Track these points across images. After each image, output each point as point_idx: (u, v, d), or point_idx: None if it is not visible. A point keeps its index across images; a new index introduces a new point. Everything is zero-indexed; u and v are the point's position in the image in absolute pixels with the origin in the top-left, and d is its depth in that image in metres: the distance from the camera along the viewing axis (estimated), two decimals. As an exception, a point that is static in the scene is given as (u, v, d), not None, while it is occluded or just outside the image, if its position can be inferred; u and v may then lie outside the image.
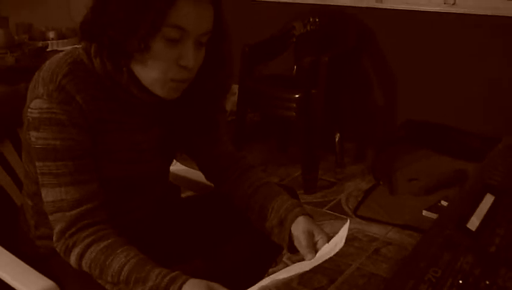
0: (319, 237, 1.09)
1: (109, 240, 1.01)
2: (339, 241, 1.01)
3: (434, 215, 2.52)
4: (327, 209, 2.69)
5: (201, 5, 1.01)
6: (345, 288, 2.06)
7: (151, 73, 1.03)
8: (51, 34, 2.95)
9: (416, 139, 3.04)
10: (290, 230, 1.12)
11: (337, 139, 3.19)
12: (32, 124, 1.03)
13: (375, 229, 2.48)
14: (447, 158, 2.93)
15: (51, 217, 1.04)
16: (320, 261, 0.98)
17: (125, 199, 1.18)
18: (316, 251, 1.08)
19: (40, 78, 1.04)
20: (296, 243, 1.12)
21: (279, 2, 3.43)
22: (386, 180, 2.90)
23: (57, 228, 1.03)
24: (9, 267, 1.12)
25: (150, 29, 0.97)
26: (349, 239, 2.27)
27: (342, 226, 1.05)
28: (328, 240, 1.08)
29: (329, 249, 1.04)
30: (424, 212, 2.55)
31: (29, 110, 1.04)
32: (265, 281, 0.97)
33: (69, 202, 1.02)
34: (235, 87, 3.10)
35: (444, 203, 2.58)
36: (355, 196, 2.83)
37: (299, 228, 1.11)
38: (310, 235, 1.09)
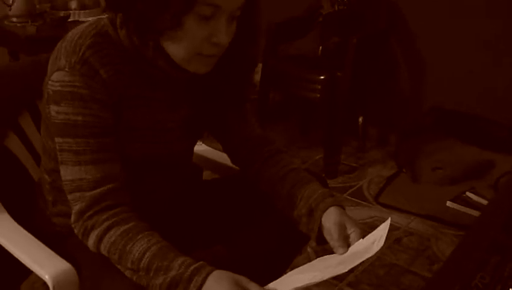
0: (351, 230, 1.03)
1: (130, 224, 0.96)
2: (377, 239, 0.94)
3: (459, 207, 2.45)
4: (348, 195, 2.63)
5: None
6: (364, 278, 2.01)
7: (181, 50, 0.97)
8: (73, 4, 2.89)
9: (442, 128, 2.96)
10: (321, 220, 1.06)
11: (360, 123, 3.12)
12: (52, 98, 0.98)
13: (396, 218, 2.41)
14: (474, 148, 2.85)
15: (69, 196, 0.99)
16: (357, 263, 0.91)
17: (146, 179, 1.13)
18: (348, 245, 1.01)
19: (62, 49, 0.98)
20: (326, 235, 1.06)
21: (306, -20, 3.33)
22: (409, 168, 2.83)
23: (76, 209, 0.98)
24: (24, 245, 1.09)
25: (182, 5, 0.91)
26: (368, 227, 2.22)
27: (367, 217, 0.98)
28: (362, 235, 1.01)
29: (364, 246, 0.97)
30: (449, 203, 2.48)
31: (50, 82, 0.99)
32: (296, 283, 0.90)
33: (89, 182, 0.97)
34: (259, 66, 3.03)
35: (469, 194, 2.51)
36: (376, 183, 2.76)
37: (330, 219, 1.05)
38: (342, 228, 1.03)
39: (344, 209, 1.08)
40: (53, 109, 0.98)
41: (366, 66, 3.00)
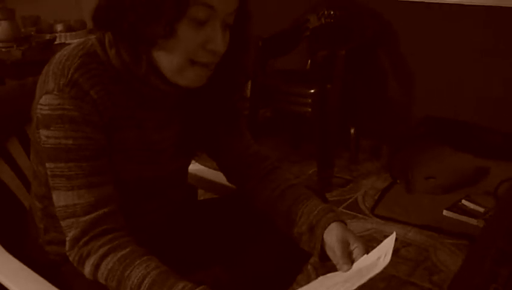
0: (354, 246, 1.00)
1: (127, 249, 0.93)
2: (383, 255, 0.92)
3: (455, 215, 2.43)
4: (343, 208, 2.61)
5: None
6: (365, 292, 1.97)
7: (175, 60, 0.94)
8: (59, 27, 2.86)
9: (435, 136, 2.95)
10: (322, 237, 1.03)
11: (352, 135, 3.11)
12: (42, 122, 0.95)
13: (393, 229, 2.39)
14: (467, 155, 2.84)
15: (63, 223, 0.96)
16: (365, 280, 0.88)
17: (140, 201, 1.10)
18: (352, 262, 0.99)
19: (50, 72, 0.95)
20: (328, 252, 1.03)
21: (292, -6, 3.34)
22: (402, 179, 2.81)
23: (70, 235, 0.94)
24: (16, 275, 1.05)
25: (175, 11, 0.88)
26: (366, 240, 2.20)
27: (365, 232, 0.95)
28: (366, 250, 0.99)
29: (369, 262, 0.94)
30: (445, 212, 2.46)
31: (38, 106, 0.96)
32: None
33: (83, 207, 0.94)
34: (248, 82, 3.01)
35: (465, 202, 2.49)
36: (371, 195, 2.75)
37: (332, 235, 1.02)
38: (345, 244, 1.00)
39: (346, 224, 1.05)
40: (43, 133, 0.95)
41: (355, 77, 3.00)
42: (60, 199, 0.95)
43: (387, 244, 0.94)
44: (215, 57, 0.96)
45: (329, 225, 1.04)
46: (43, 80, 0.97)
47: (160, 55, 0.94)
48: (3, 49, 2.65)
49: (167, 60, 0.94)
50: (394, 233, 0.96)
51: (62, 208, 0.95)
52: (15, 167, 1.26)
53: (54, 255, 1.11)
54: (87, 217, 0.93)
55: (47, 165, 0.96)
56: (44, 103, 0.94)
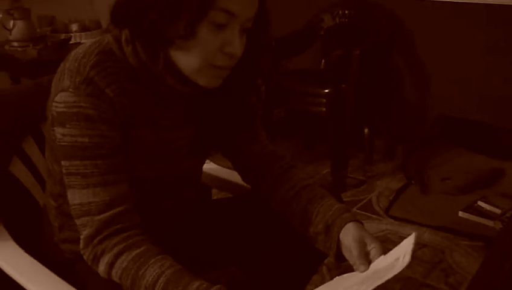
0: (371, 247, 0.99)
1: (142, 248, 0.92)
2: (401, 256, 0.90)
3: (471, 217, 2.40)
4: (357, 209, 2.59)
5: None
6: (380, 293, 1.96)
7: (192, 61, 0.93)
8: (74, 27, 2.87)
9: (450, 137, 2.92)
10: (338, 237, 1.02)
11: (366, 136, 3.08)
12: (57, 120, 0.94)
13: (408, 231, 2.36)
14: (482, 157, 2.80)
15: (77, 221, 0.96)
16: (382, 281, 0.87)
17: (154, 200, 1.09)
18: (370, 262, 0.97)
19: (65, 70, 0.95)
20: (345, 253, 1.02)
21: (306, -6, 3.32)
22: (417, 180, 2.78)
23: (84, 234, 0.94)
24: (31, 273, 1.05)
25: (197, 12, 0.88)
26: (381, 241, 2.18)
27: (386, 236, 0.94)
28: (383, 251, 0.97)
29: (387, 263, 0.93)
30: (461, 213, 2.43)
31: (54, 104, 0.95)
32: None
33: (98, 205, 0.93)
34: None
35: (481, 204, 2.46)
36: (386, 195, 2.72)
37: (349, 235, 1.01)
38: (362, 244, 0.99)
39: (362, 224, 1.04)
40: (58, 131, 0.95)
41: (369, 77, 2.97)
42: (75, 197, 0.95)
43: (407, 245, 0.92)
44: (232, 61, 0.96)
45: (345, 224, 1.03)
46: (58, 78, 0.96)
47: (177, 55, 0.94)
48: (19, 49, 2.67)
49: (185, 60, 0.94)
50: (414, 234, 0.94)
51: (77, 206, 0.95)
52: (30, 165, 1.27)
53: (69, 254, 1.11)
54: (102, 215, 0.93)
55: (62, 163, 0.96)
56: (60, 100, 0.94)
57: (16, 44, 2.69)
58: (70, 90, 0.92)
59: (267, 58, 2.75)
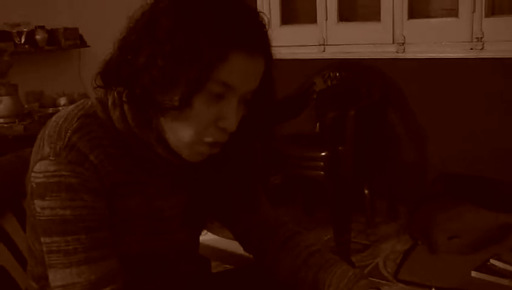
0: (395, 317, 0.88)
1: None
2: None
3: (485, 276, 2.30)
4: (364, 275, 2.46)
5: (254, 60, 0.85)
6: None
7: (182, 132, 0.86)
8: (62, 100, 2.83)
9: (453, 194, 2.85)
10: None
11: (367, 197, 3.00)
12: (36, 192, 0.85)
13: (421, 295, 2.24)
14: (489, 212, 2.72)
15: (60, 307, 0.84)
16: None
17: (147, 277, 0.98)
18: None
19: (45, 136, 0.87)
20: (365, 326, 0.91)
21: (295, 59, 3.33)
22: (424, 240, 2.69)
23: (69, 321, 0.83)
24: None
25: (193, 85, 0.81)
26: (393, 308, 2.06)
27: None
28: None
29: None
30: (474, 273, 2.32)
31: (32, 174, 0.87)
32: None
33: (83, 286, 0.83)
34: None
35: (494, 262, 2.35)
36: (393, 259, 2.61)
37: (367, 305, 0.90)
38: (384, 315, 0.88)
39: (382, 292, 0.94)
40: (37, 204, 0.85)
41: (366, 138, 2.93)
42: (57, 277, 0.84)
43: None
44: (224, 136, 0.89)
45: (363, 293, 0.92)
46: (38, 145, 0.88)
47: (169, 125, 0.86)
48: (5, 125, 2.61)
49: (173, 131, 0.87)
50: None
51: (59, 289, 0.84)
52: (11, 245, 1.16)
53: None
54: (88, 298, 0.82)
55: (42, 240, 0.86)
56: (39, 170, 0.85)
57: (1, 120, 2.63)
58: (51, 157, 0.84)
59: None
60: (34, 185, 0.86)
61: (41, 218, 0.85)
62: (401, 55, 2.98)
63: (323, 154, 2.67)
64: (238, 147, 0.97)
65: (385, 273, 2.48)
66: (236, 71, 0.83)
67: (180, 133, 0.86)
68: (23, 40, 3.03)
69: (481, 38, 2.73)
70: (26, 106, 2.82)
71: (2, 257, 1.15)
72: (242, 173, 1.01)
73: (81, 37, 3.39)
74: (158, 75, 0.81)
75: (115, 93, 0.88)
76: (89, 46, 3.38)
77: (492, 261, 2.37)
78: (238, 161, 0.99)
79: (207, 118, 0.85)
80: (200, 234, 1.12)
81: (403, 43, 2.95)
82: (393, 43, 2.99)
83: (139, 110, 0.86)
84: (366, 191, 3.00)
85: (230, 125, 0.86)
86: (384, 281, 2.40)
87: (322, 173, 2.67)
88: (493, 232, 2.59)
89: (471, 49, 2.77)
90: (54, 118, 0.90)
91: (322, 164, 2.67)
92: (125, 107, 0.87)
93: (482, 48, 2.75)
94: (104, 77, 0.88)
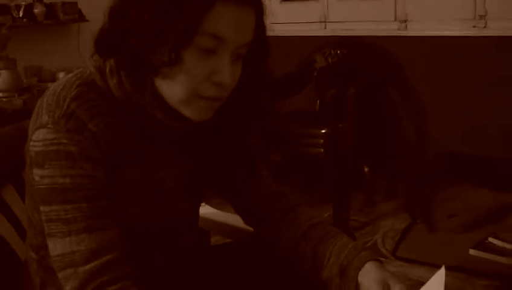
0: (396, 288, 0.88)
1: (133, 302, 0.81)
2: None
3: (483, 254, 2.31)
4: (363, 252, 2.47)
5: (242, 10, 0.83)
6: None
7: (178, 90, 0.84)
8: (61, 75, 2.81)
9: (453, 172, 2.84)
10: (357, 280, 0.91)
11: (366, 175, 3.00)
12: (35, 160, 0.84)
13: (418, 272, 2.25)
14: (488, 191, 2.73)
15: (60, 275, 0.84)
16: None
17: (147, 249, 0.98)
18: (394, 307, 0.86)
19: (44, 104, 0.86)
20: (365, 297, 0.90)
21: (296, 36, 3.30)
22: (423, 218, 2.69)
23: (68, 288, 0.83)
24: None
25: (181, 38, 0.80)
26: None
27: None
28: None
29: None
30: (472, 251, 2.34)
31: (31, 143, 0.86)
32: None
33: (82, 254, 0.82)
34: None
35: (492, 240, 2.36)
36: (391, 236, 2.62)
37: (369, 276, 0.90)
38: (385, 286, 0.88)
39: (382, 263, 0.93)
40: (36, 173, 0.85)
41: (367, 116, 2.92)
42: (57, 246, 0.84)
43: (436, 282, 0.82)
44: (222, 91, 0.87)
45: (363, 265, 0.92)
46: (36, 114, 0.87)
47: (163, 84, 0.85)
48: (4, 99, 2.60)
49: (170, 89, 0.85)
50: (443, 267, 0.84)
51: (59, 258, 0.83)
52: (10, 216, 1.15)
53: (52, 315, 0.98)
54: (87, 266, 0.82)
55: (41, 209, 0.85)
56: (38, 138, 0.84)
57: (0, 94, 2.62)
58: (49, 126, 0.83)
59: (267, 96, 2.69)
60: (33, 154, 0.85)
61: (40, 187, 0.85)
62: (403, 33, 2.95)
63: (323, 131, 2.66)
64: (239, 116, 0.96)
65: (383, 250, 2.49)
66: (224, 22, 0.81)
67: (176, 90, 0.85)
68: (21, 14, 3.00)
69: (484, 16, 2.70)
70: (25, 81, 2.80)
71: (2, 228, 1.15)
72: (243, 142, 1.00)
73: (79, 11, 3.36)
74: (146, 32, 0.80)
75: (112, 61, 0.87)
76: (88, 21, 3.35)
77: (490, 239, 2.38)
78: (239, 130, 0.98)
79: (200, 73, 0.84)
80: (199, 205, 1.11)
81: (405, 21, 2.93)
82: (395, 20, 2.97)
83: (134, 73, 0.85)
84: (365, 169, 3.00)
85: (224, 79, 0.84)
86: (382, 258, 2.40)
87: (322, 150, 2.66)
88: (492, 211, 2.60)
89: (474, 27, 2.75)
90: (52, 86, 0.89)
91: (321, 141, 2.66)
92: (122, 74, 0.86)
93: (485, 26, 2.72)
94: (97, 44, 0.87)
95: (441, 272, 0.84)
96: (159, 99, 0.87)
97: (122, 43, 0.82)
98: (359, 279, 0.91)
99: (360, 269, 0.91)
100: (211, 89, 0.85)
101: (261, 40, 0.90)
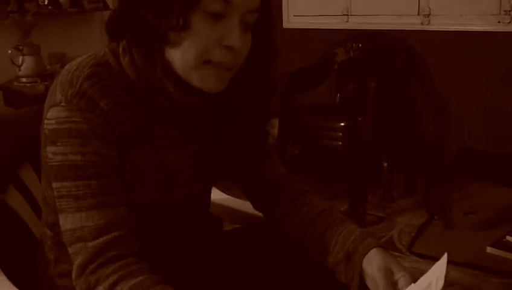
0: (399, 275, 0.88)
1: (139, 278, 0.82)
2: (433, 281, 0.80)
3: (500, 252, 2.28)
4: (378, 247, 2.46)
5: None
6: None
7: (188, 56, 0.84)
8: (84, 62, 2.85)
9: (471, 170, 2.81)
10: (361, 266, 0.91)
11: (385, 170, 2.98)
12: (49, 138, 0.87)
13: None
14: (506, 189, 2.69)
15: (70, 249, 0.86)
16: None
17: (156, 231, 0.99)
18: (398, 293, 0.86)
19: (58, 84, 0.88)
20: (369, 283, 0.91)
21: (318, 29, 3.29)
22: (440, 214, 2.67)
23: (77, 262, 0.84)
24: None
25: (187, 1, 0.80)
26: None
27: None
28: (413, 280, 0.86)
29: None
30: (489, 249, 2.31)
31: (45, 121, 0.88)
32: None
33: (91, 230, 0.84)
34: (275, 120, 2.92)
35: (510, 238, 2.33)
36: (407, 232, 2.61)
37: (373, 263, 0.90)
38: (388, 273, 0.88)
39: (387, 250, 0.93)
40: (50, 150, 0.87)
41: (386, 110, 2.90)
42: (67, 221, 0.86)
43: (438, 269, 0.82)
44: (232, 56, 0.87)
45: (368, 252, 0.92)
46: (51, 93, 0.89)
47: (174, 55, 0.85)
48: (27, 84, 2.64)
49: (180, 57, 0.85)
50: (445, 254, 0.84)
51: (69, 232, 0.85)
52: (27, 194, 1.18)
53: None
54: (96, 241, 0.84)
55: (53, 185, 0.87)
56: (51, 116, 0.86)
57: (24, 80, 2.66)
58: (62, 104, 0.85)
59: (280, 89, 2.69)
60: (47, 132, 0.87)
61: (53, 164, 0.87)
62: (426, 27, 2.92)
63: (342, 124, 2.65)
64: (250, 95, 0.96)
65: (399, 245, 2.48)
66: None
67: (186, 57, 0.85)
68: (46, 1, 3.04)
69: (509, 11, 2.66)
70: (48, 67, 2.84)
71: (19, 206, 1.17)
72: (254, 124, 1.01)
73: (104, 0, 3.39)
74: (154, 2, 0.81)
75: (124, 42, 0.89)
76: (111, 10, 3.38)
77: (508, 237, 2.35)
78: (249, 107, 0.98)
79: (209, 37, 0.84)
80: (210, 188, 1.12)
81: (428, 15, 2.90)
82: (418, 14, 2.94)
83: (145, 47, 0.86)
84: (384, 164, 2.98)
85: (234, 42, 0.84)
86: (397, 253, 2.40)
87: (340, 143, 2.65)
88: (510, 209, 2.57)
89: (499, 22, 2.71)
90: (67, 66, 0.91)
91: (340, 134, 2.65)
92: (134, 50, 0.88)
93: (510, 22, 2.68)
94: (109, 25, 0.89)
95: (443, 260, 0.84)
96: (171, 72, 0.87)
97: (133, 19, 0.83)
98: (363, 265, 0.91)
99: (364, 256, 0.92)
100: (222, 54, 0.85)
101: (266, 12, 0.91)
